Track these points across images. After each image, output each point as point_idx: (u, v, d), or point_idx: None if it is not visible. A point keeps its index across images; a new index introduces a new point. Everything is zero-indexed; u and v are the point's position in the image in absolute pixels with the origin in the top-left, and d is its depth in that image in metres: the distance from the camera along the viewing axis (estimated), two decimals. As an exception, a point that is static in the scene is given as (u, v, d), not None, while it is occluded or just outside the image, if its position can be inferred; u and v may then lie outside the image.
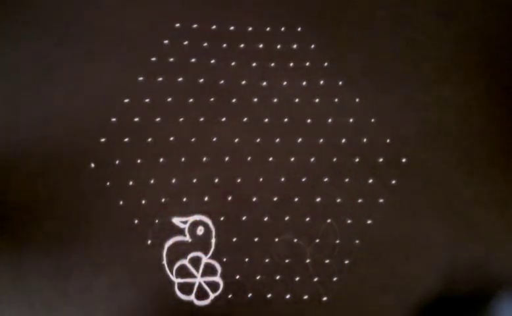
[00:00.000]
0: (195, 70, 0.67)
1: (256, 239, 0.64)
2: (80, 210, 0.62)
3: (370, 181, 0.66)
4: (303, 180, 0.66)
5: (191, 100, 0.66)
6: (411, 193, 0.66)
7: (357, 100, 0.68)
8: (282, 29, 0.69)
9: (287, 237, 0.65)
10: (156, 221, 0.63)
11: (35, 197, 0.62)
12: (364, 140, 0.67)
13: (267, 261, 0.64)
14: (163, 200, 0.64)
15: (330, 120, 0.67)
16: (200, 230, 0.64)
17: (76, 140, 0.64)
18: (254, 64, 0.68)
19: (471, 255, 0.65)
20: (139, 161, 0.64)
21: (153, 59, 0.67)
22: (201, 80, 0.67)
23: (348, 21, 0.70)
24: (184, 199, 0.64)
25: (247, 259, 0.63)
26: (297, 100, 0.67)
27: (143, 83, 0.66)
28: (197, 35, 0.68)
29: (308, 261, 0.64)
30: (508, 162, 0.67)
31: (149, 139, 0.65)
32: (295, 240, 0.65)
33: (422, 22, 0.70)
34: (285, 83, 0.68)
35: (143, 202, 0.64)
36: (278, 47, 0.69)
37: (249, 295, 0.63)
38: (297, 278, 0.64)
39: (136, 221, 0.63)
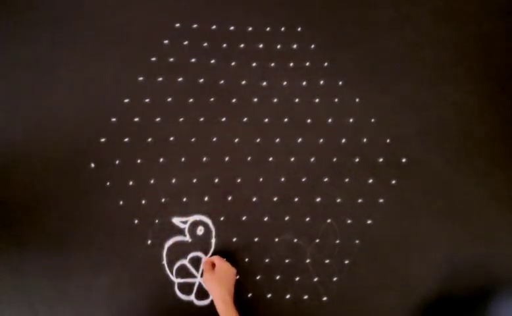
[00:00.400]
0: (195, 70, 0.67)
1: (256, 239, 0.64)
2: (80, 211, 0.62)
3: (370, 181, 0.66)
4: (303, 180, 0.66)
5: (191, 100, 0.66)
6: (411, 193, 0.66)
7: (357, 100, 0.68)
8: (282, 29, 0.69)
9: (287, 237, 0.65)
10: (156, 221, 0.63)
11: (35, 197, 0.62)
12: (364, 140, 0.67)
13: (267, 261, 0.64)
14: (163, 200, 0.64)
15: (330, 120, 0.67)
16: (200, 230, 0.64)
17: (76, 140, 0.64)
18: (254, 64, 0.68)
19: (471, 255, 0.65)
20: (139, 161, 0.64)
21: (153, 59, 0.67)
22: (201, 80, 0.67)
23: (348, 21, 0.70)
24: (184, 199, 0.64)
25: (247, 259, 0.63)
26: (297, 100, 0.67)
27: (143, 83, 0.66)
28: (197, 35, 0.68)
29: (308, 261, 0.64)
30: (508, 162, 0.67)
31: (149, 139, 0.65)
32: (295, 240, 0.65)
33: (422, 22, 0.70)
34: (285, 83, 0.68)
35: (143, 202, 0.64)
36: (278, 47, 0.69)
37: (249, 295, 0.63)
38: (297, 278, 0.64)
39: (136, 221, 0.63)
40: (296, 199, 0.65)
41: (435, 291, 0.64)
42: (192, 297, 0.62)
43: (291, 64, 0.68)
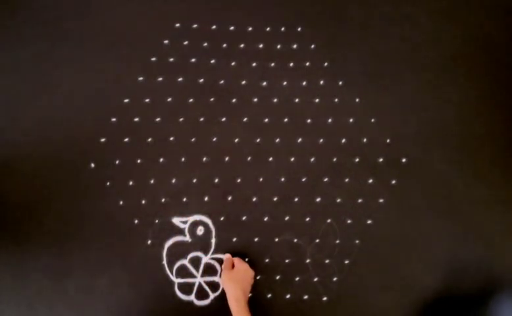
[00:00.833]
0: (195, 70, 0.67)
1: (256, 239, 0.64)
2: (80, 211, 0.62)
3: (370, 181, 0.66)
4: (303, 180, 0.66)
5: (191, 100, 0.66)
6: (411, 193, 0.66)
7: (357, 100, 0.68)
8: (282, 29, 0.69)
9: (287, 237, 0.65)
10: (156, 221, 0.63)
11: (35, 197, 0.62)
12: (364, 140, 0.67)
13: (267, 261, 0.64)
14: (163, 200, 0.64)
15: (330, 120, 0.67)
16: (200, 230, 0.64)
17: (76, 140, 0.64)
18: (254, 64, 0.68)
19: (471, 255, 0.65)
20: (139, 161, 0.64)
21: (153, 59, 0.67)
22: (201, 80, 0.67)
23: (348, 21, 0.70)
24: (184, 199, 0.64)
25: (247, 259, 0.63)
26: (297, 100, 0.67)
27: (143, 83, 0.66)
28: (197, 35, 0.68)
29: (308, 261, 0.64)
30: (508, 163, 0.67)
31: (149, 139, 0.65)
32: (295, 240, 0.65)
33: (422, 22, 0.70)
34: (285, 83, 0.68)
35: (143, 202, 0.64)
36: (278, 47, 0.69)
37: (249, 295, 0.63)
38: (297, 278, 0.64)
39: (136, 221, 0.63)
40: (296, 199, 0.65)
41: (435, 291, 0.64)
42: (192, 297, 0.62)
43: (291, 64, 0.68)
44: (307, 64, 0.68)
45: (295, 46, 0.69)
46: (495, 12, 0.71)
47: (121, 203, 0.63)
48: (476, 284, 0.65)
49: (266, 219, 0.64)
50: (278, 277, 0.64)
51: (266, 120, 0.67)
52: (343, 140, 0.67)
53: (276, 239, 0.64)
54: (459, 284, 0.65)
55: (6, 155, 0.63)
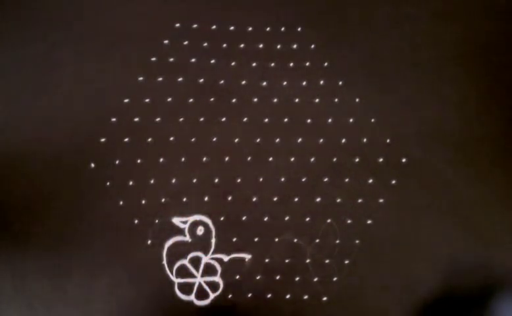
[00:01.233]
0: (195, 70, 0.67)
1: (256, 239, 0.64)
2: (80, 210, 0.62)
3: (370, 181, 0.66)
4: (303, 180, 0.66)
5: (191, 100, 0.66)
6: (411, 193, 0.66)
7: (357, 100, 0.68)
8: (282, 29, 0.69)
9: (287, 237, 0.65)
10: (156, 221, 0.63)
11: (35, 197, 0.62)
12: (364, 140, 0.67)
13: (267, 261, 0.64)
14: (163, 200, 0.64)
15: (330, 120, 0.67)
16: (200, 230, 0.64)
17: (76, 140, 0.64)
18: (254, 64, 0.68)
19: (471, 255, 0.65)
20: (139, 161, 0.64)
21: (153, 59, 0.67)
22: (201, 80, 0.67)
23: (348, 21, 0.70)
24: (184, 199, 0.64)
25: (247, 259, 0.63)
26: (297, 100, 0.67)
27: (143, 83, 0.66)
28: (197, 35, 0.68)
29: (308, 261, 0.64)
30: (508, 162, 0.67)
31: (149, 139, 0.65)
32: (295, 240, 0.65)
33: (422, 22, 0.70)
34: (285, 83, 0.68)
35: (143, 202, 0.64)
36: (278, 47, 0.69)
37: (249, 295, 0.63)
38: (297, 278, 0.64)
39: (136, 221, 0.63)
40: (296, 199, 0.65)
41: (435, 291, 0.64)
42: (192, 297, 0.62)
43: (291, 64, 0.68)
44: (307, 64, 0.68)
45: (295, 46, 0.69)
46: (495, 12, 0.71)
47: (121, 203, 0.63)
48: (476, 284, 0.65)
49: (266, 219, 0.64)
50: (278, 277, 0.64)
51: (266, 120, 0.67)
52: (343, 140, 0.67)
53: (276, 239, 0.64)
54: (459, 284, 0.64)
55: (6, 155, 0.63)
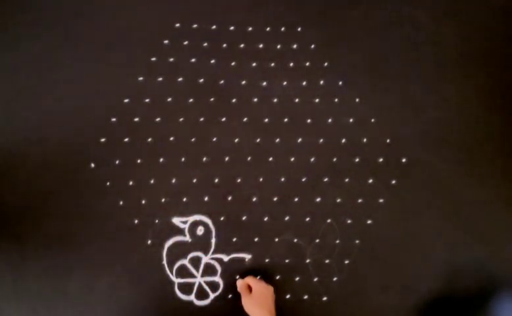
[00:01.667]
0: (195, 70, 0.67)
1: (256, 239, 0.64)
2: (80, 210, 0.62)
3: (370, 181, 0.66)
4: (303, 180, 0.66)
5: (191, 100, 0.66)
6: (411, 193, 0.66)
7: (357, 100, 0.68)
8: (282, 29, 0.69)
9: (287, 237, 0.65)
10: (156, 221, 0.63)
11: (35, 197, 0.62)
12: (364, 140, 0.67)
13: (267, 261, 0.64)
14: (163, 200, 0.64)
15: (330, 120, 0.67)
16: (200, 230, 0.64)
17: (76, 140, 0.64)
18: (254, 64, 0.68)
19: (471, 255, 0.65)
20: (139, 161, 0.64)
21: (153, 59, 0.67)
22: (201, 80, 0.67)
23: (348, 21, 0.70)
24: (184, 199, 0.64)
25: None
26: (297, 100, 0.67)
27: (143, 83, 0.66)
28: (197, 35, 0.68)
29: (308, 261, 0.64)
30: (508, 163, 0.67)
31: (149, 139, 0.65)
32: (295, 240, 0.65)
33: (422, 22, 0.70)
34: (285, 83, 0.68)
35: (143, 202, 0.64)
36: (278, 47, 0.69)
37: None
38: (297, 278, 0.64)
39: (136, 221, 0.63)
40: (296, 199, 0.65)
41: (435, 291, 0.64)
42: (192, 297, 0.62)
43: (291, 64, 0.68)
44: (307, 64, 0.68)
45: (295, 46, 0.69)
46: (495, 12, 0.71)
47: (121, 203, 0.63)
48: (476, 284, 0.65)
49: (266, 219, 0.64)
50: (278, 277, 0.64)
51: (266, 120, 0.67)
52: (343, 140, 0.67)
53: (276, 239, 0.64)
54: (459, 284, 0.65)
55: (6, 155, 0.63)
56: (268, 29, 0.69)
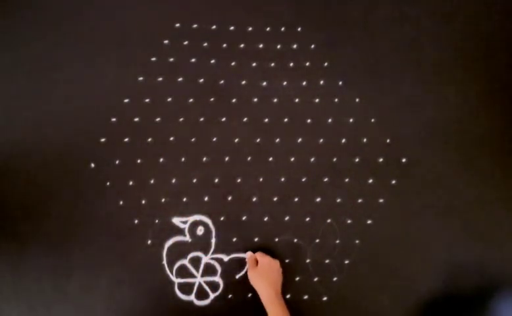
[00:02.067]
0: (195, 70, 0.67)
1: (256, 239, 0.64)
2: (80, 211, 0.62)
3: (370, 181, 0.66)
4: (303, 180, 0.66)
5: (191, 100, 0.66)
6: (411, 193, 0.66)
7: (357, 100, 0.68)
8: (282, 29, 0.69)
9: (287, 237, 0.65)
10: (156, 221, 0.63)
11: (35, 197, 0.62)
12: (364, 140, 0.67)
13: (267, 261, 0.64)
14: (163, 200, 0.64)
15: (330, 120, 0.67)
16: (200, 230, 0.64)
17: (76, 140, 0.64)
18: (254, 64, 0.68)
19: (471, 255, 0.65)
20: (139, 161, 0.64)
21: (153, 59, 0.67)
22: (201, 80, 0.67)
23: (348, 21, 0.70)
24: (184, 199, 0.64)
25: (247, 259, 0.63)
26: (297, 100, 0.67)
27: (143, 83, 0.66)
28: (197, 35, 0.68)
29: (308, 261, 0.64)
30: (508, 162, 0.67)
31: (149, 139, 0.65)
32: (295, 240, 0.65)
33: (422, 22, 0.70)
34: (285, 83, 0.68)
35: (143, 202, 0.64)
36: (278, 47, 0.69)
37: (249, 295, 0.63)
38: (297, 278, 0.64)
39: (136, 221, 0.63)
40: (296, 199, 0.65)
41: (435, 291, 0.64)
42: (192, 297, 0.62)
43: (291, 64, 0.68)
44: (307, 64, 0.68)
45: (295, 46, 0.69)
46: (495, 12, 0.71)
47: (121, 203, 0.63)
48: (476, 284, 0.65)
49: (266, 219, 0.64)
50: (278, 277, 0.64)
51: (266, 120, 0.67)
52: (343, 140, 0.67)
53: (276, 239, 0.64)
54: (459, 284, 0.65)
55: (6, 155, 0.63)
56: (268, 29, 0.69)
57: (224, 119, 0.66)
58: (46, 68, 0.65)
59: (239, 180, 0.65)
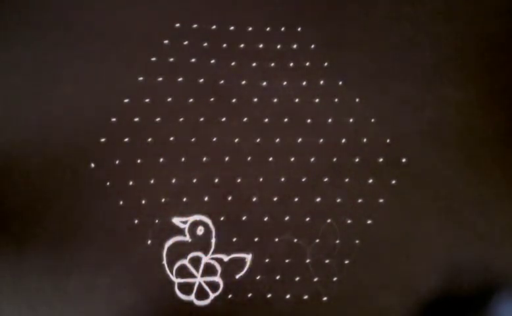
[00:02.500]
0: (195, 70, 0.67)
1: (256, 239, 0.64)
2: (80, 210, 0.62)
3: (370, 181, 0.66)
4: (303, 180, 0.66)
5: (191, 100, 0.66)
6: (411, 193, 0.66)
7: (357, 100, 0.68)
8: (282, 29, 0.69)
9: (287, 237, 0.65)
10: (156, 221, 0.63)
11: (34, 197, 0.62)
12: (364, 140, 0.67)
13: (267, 261, 0.64)
14: (163, 200, 0.64)
15: (330, 120, 0.67)
16: (200, 230, 0.64)
17: (76, 140, 0.64)
18: (254, 64, 0.68)
19: (471, 255, 0.65)
20: (139, 161, 0.64)
21: (153, 59, 0.67)
22: (201, 80, 0.67)
23: (348, 21, 0.70)
24: (184, 199, 0.64)
25: (247, 259, 0.63)
26: (297, 100, 0.67)
27: (143, 83, 0.66)
28: (197, 35, 0.68)
29: (308, 261, 0.64)
30: (508, 162, 0.67)
31: (149, 139, 0.65)
32: (295, 240, 0.65)
33: (422, 22, 0.70)
34: (285, 83, 0.68)
35: (143, 202, 0.64)
36: (278, 47, 0.69)
37: (249, 295, 0.63)
38: (297, 278, 0.64)
39: (136, 221, 0.63)
40: (296, 199, 0.65)
41: (435, 291, 0.64)
42: (192, 297, 0.62)
43: (291, 64, 0.68)
44: (307, 64, 0.68)
45: (295, 46, 0.69)
46: (495, 12, 0.71)
47: (121, 203, 0.63)
48: (476, 284, 0.65)
49: (266, 219, 0.64)
50: (278, 277, 0.64)
51: (266, 120, 0.67)
52: (343, 140, 0.67)
53: (276, 239, 0.64)
54: (459, 284, 0.65)
55: (6, 155, 0.63)
56: (268, 29, 0.69)
57: (224, 119, 0.66)
58: (46, 68, 0.65)
59: (239, 180, 0.65)
